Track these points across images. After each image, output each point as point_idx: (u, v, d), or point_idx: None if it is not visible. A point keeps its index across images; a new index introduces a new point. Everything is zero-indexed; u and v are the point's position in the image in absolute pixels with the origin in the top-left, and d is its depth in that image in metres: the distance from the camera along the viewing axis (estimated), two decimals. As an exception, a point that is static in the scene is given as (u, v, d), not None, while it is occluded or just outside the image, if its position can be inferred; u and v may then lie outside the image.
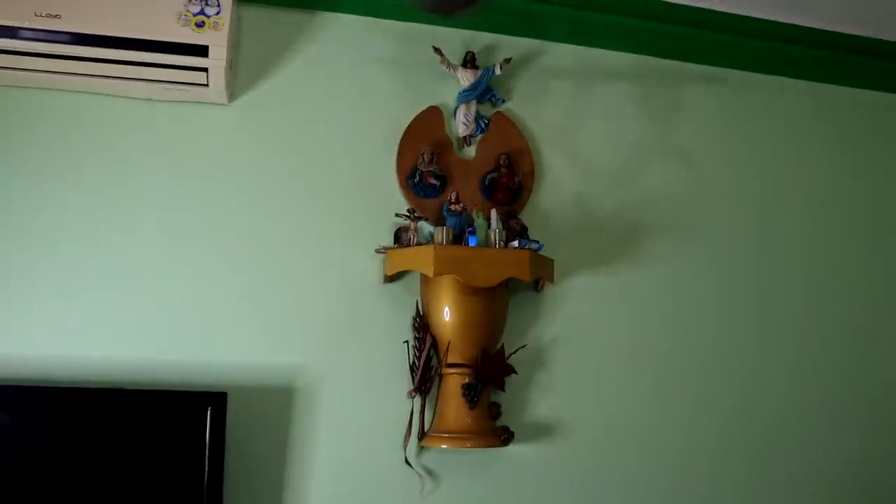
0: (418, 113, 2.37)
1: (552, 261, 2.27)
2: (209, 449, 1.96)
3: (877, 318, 2.69)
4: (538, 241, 2.20)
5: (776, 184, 2.67)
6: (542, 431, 2.32)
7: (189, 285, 2.15)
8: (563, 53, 2.53)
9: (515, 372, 2.28)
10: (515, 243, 2.19)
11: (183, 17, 2.03)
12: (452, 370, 2.19)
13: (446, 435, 2.16)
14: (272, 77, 2.30)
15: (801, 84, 2.73)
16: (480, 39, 2.46)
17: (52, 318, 2.06)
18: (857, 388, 2.62)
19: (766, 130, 2.69)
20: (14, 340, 2.03)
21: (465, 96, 2.36)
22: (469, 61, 2.38)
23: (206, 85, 2.11)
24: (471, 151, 2.42)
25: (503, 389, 2.27)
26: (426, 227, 2.29)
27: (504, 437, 2.21)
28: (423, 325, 2.24)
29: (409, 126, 2.36)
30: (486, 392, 2.21)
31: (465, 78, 2.36)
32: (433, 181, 2.32)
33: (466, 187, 2.34)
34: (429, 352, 2.22)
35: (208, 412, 1.97)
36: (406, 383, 2.23)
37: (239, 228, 2.21)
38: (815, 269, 2.66)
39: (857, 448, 2.58)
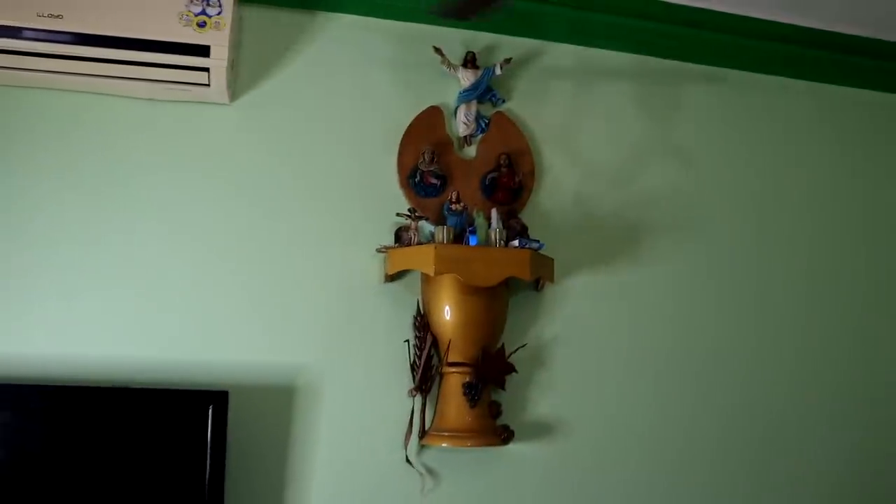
0: (419, 113, 2.38)
1: (552, 260, 2.28)
2: (211, 447, 1.96)
3: (877, 317, 2.70)
4: (538, 241, 2.21)
5: (776, 183, 2.68)
6: (542, 430, 2.33)
7: (191, 284, 2.16)
8: (563, 53, 2.54)
9: (516, 371, 2.29)
10: (516, 243, 2.19)
11: (185, 17, 2.04)
12: (453, 369, 2.19)
13: (447, 433, 2.16)
14: (273, 77, 2.31)
15: (801, 84, 2.74)
16: (481, 39, 2.46)
17: (53, 318, 2.07)
18: (857, 388, 2.62)
19: (766, 130, 2.70)
20: (15, 340, 2.03)
21: (466, 96, 2.37)
22: (469, 61, 2.39)
23: (208, 85, 2.12)
24: (471, 151, 2.42)
25: (503, 388, 2.28)
26: (427, 226, 2.29)
27: (504, 435, 2.22)
28: (423, 324, 2.24)
29: (409, 126, 2.36)
30: (487, 391, 2.22)
31: (466, 78, 2.37)
32: (434, 181, 2.33)
33: (467, 187, 2.34)
34: (429, 351, 2.22)
35: (210, 411, 1.97)
36: (407, 382, 2.24)
37: (240, 228, 2.22)
38: (815, 269, 2.66)
39: (857, 448, 2.59)
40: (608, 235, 2.48)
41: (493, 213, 2.24)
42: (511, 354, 2.29)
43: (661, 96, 2.61)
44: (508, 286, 2.26)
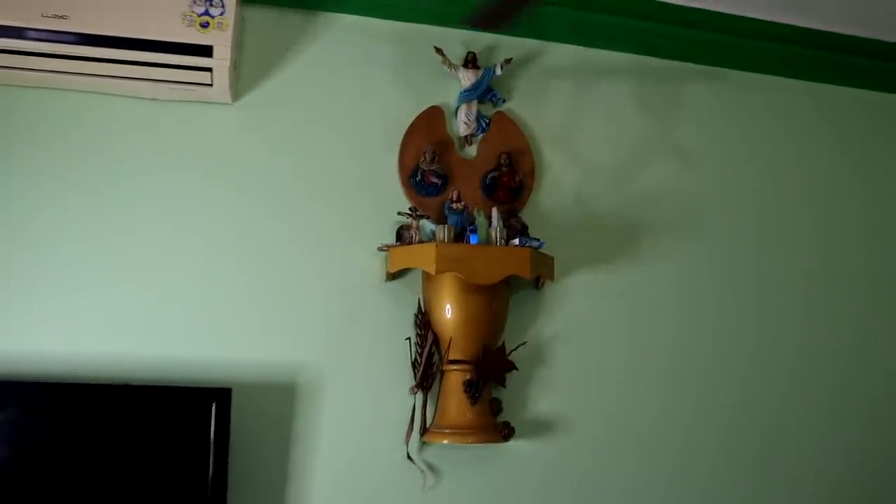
0: (420, 112, 2.39)
1: (552, 259, 2.29)
2: (214, 444, 1.97)
3: (876, 316, 2.70)
4: (538, 239, 2.22)
5: (776, 183, 2.69)
6: (542, 427, 2.34)
7: (194, 283, 2.17)
8: (563, 53, 2.55)
9: (516, 368, 2.30)
10: (516, 241, 2.20)
11: (188, 17, 2.05)
12: (454, 367, 2.20)
13: (448, 430, 2.17)
14: (275, 77, 2.32)
15: (800, 84, 2.74)
16: (481, 40, 2.47)
17: (57, 316, 2.08)
18: (857, 387, 2.63)
19: (765, 130, 2.71)
20: (19, 338, 2.04)
21: (467, 96, 2.38)
22: (470, 61, 2.40)
23: (211, 85, 2.13)
24: (472, 150, 2.43)
25: (504, 386, 2.28)
26: (428, 225, 2.30)
27: (505, 432, 2.22)
28: (424, 322, 2.25)
29: (410, 125, 2.37)
30: (487, 388, 2.22)
31: (467, 78, 2.38)
32: (435, 180, 2.34)
33: (468, 186, 2.35)
34: (430, 348, 2.23)
35: (213, 408, 1.98)
36: (408, 380, 2.25)
37: (242, 226, 2.23)
38: (815, 268, 2.67)
39: (857, 447, 2.59)
40: (608, 234, 2.49)
41: (494, 211, 2.26)
42: (511, 352, 2.30)
43: (661, 96, 2.61)
44: (509, 284, 2.27)
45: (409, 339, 2.26)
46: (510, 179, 2.38)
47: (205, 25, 2.06)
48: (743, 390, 2.52)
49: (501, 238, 2.20)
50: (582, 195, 2.49)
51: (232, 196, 2.24)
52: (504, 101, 2.46)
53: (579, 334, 2.41)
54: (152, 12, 2.04)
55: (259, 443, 2.12)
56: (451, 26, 2.44)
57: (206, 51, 2.06)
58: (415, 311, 2.28)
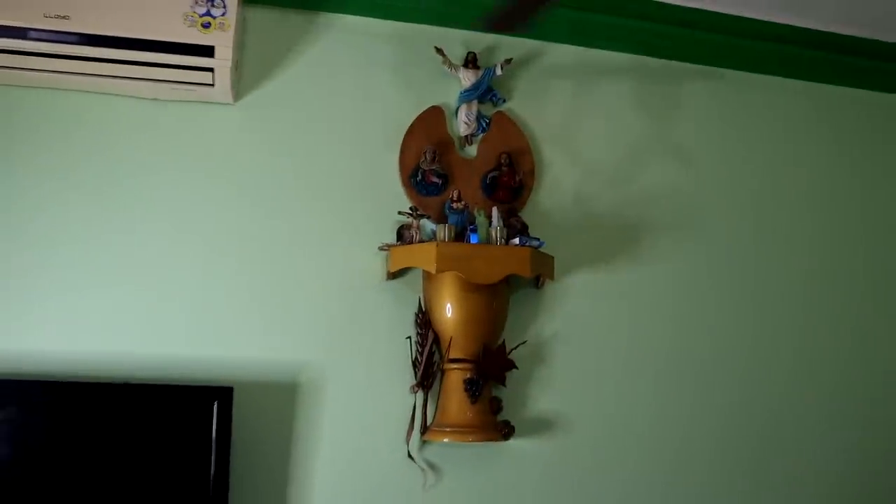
0: (420, 112, 2.40)
1: (552, 258, 2.29)
2: (216, 442, 1.98)
3: (875, 316, 2.70)
4: (538, 239, 2.23)
5: (774, 182, 2.69)
6: (542, 426, 2.34)
7: (195, 282, 2.17)
8: (563, 53, 2.55)
9: (516, 367, 2.31)
10: (516, 240, 2.21)
11: (189, 17, 2.05)
12: (454, 365, 2.21)
13: (448, 429, 2.18)
14: (276, 77, 2.32)
15: (798, 84, 2.75)
16: (481, 40, 2.48)
17: (59, 316, 2.08)
18: (856, 386, 2.63)
19: (764, 129, 2.71)
20: (21, 337, 2.05)
21: (467, 96, 2.39)
22: (470, 62, 2.40)
23: (212, 85, 2.13)
24: (472, 150, 2.44)
25: (504, 384, 2.29)
26: (428, 224, 2.31)
27: (505, 431, 2.23)
28: (425, 321, 2.26)
29: (411, 125, 2.38)
30: (488, 387, 2.23)
31: (467, 78, 2.38)
32: (435, 180, 2.35)
33: (468, 186, 2.36)
34: (431, 347, 2.24)
35: (215, 406, 1.99)
36: (408, 378, 2.25)
37: (244, 226, 2.24)
38: (813, 267, 2.67)
39: (855, 447, 2.59)
40: (607, 234, 2.50)
41: (494, 211, 2.26)
42: (511, 351, 2.31)
43: (661, 96, 2.62)
44: (509, 284, 2.27)
45: (409, 338, 2.27)
46: (510, 179, 2.38)
47: (206, 26, 2.06)
48: (741, 389, 2.53)
49: (501, 237, 2.21)
50: (581, 195, 2.50)
51: (233, 196, 2.24)
52: (504, 101, 2.47)
53: (579, 333, 2.42)
54: (154, 12, 2.04)
55: (260, 441, 2.13)
56: (451, 26, 2.45)
57: (207, 51, 2.06)
58: (415, 310, 2.29)
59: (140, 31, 2.03)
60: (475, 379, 2.19)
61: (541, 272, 2.24)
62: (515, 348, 2.32)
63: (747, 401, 2.53)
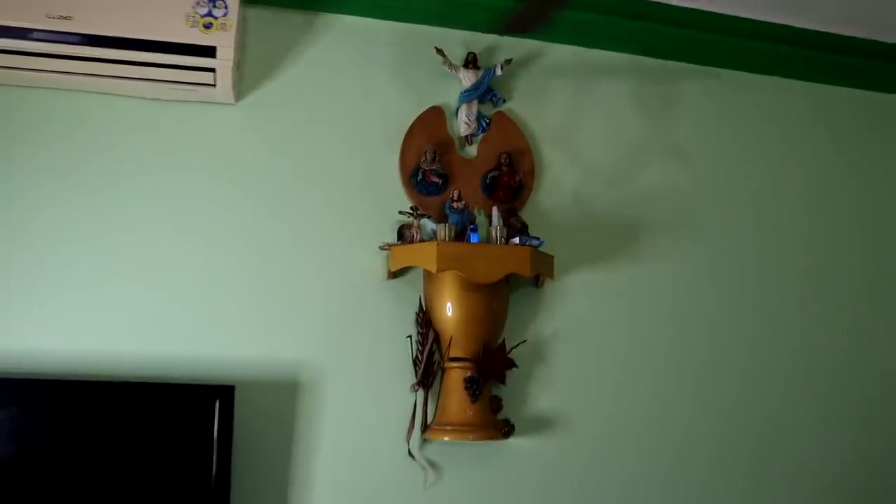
0: (421, 113, 2.40)
1: (552, 257, 2.30)
2: (217, 441, 1.98)
3: (873, 316, 2.71)
4: (538, 238, 2.23)
5: (772, 182, 2.70)
6: (542, 425, 2.35)
7: (197, 282, 2.18)
8: (562, 54, 2.56)
9: (516, 366, 2.32)
10: (516, 240, 2.22)
11: (191, 18, 2.06)
12: (454, 364, 2.21)
13: (449, 427, 2.18)
14: (277, 77, 2.33)
15: (796, 84, 2.76)
16: (482, 40, 2.48)
17: (61, 314, 2.08)
18: (854, 387, 2.64)
19: (762, 129, 2.72)
20: (23, 336, 2.05)
21: (467, 96, 2.39)
22: (470, 62, 2.41)
23: (214, 85, 2.14)
24: (472, 150, 2.45)
25: (504, 383, 2.30)
26: (429, 224, 2.32)
27: (505, 429, 2.24)
28: (425, 320, 2.26)
29: (411, 125, 2.38)
30: (488, 386, 2.24)
31: (467, 78, 2.39)
32: (435, 179, 2.36)
33: (468, 185, 2.37)
34: (431, 346, 2.24)
35: (216, 405, 1.99)
36: (409, 377, 2.26)
37: (245, 226, 2.24)
38: (812, 267, 2.68)
39: (854, 446, 2.60)
40: (607, 233, 2.50)
41: (494, 211, 2.27)
42: (511, 350, 2.31)
43: (660, 96, 2.63)
44: (509, 283, 2.28)
45: (410, 336, 2.28)
46: (510, 179, 2.39)
47: (208, 26, 2.07)
48: (740, 389, 2.53)
49: (501, 237, 2.22)
50: (581, 194, 2.50)
51: (234, 195, 2.25)
52: (504, 101, 2.47)
53: (578, 332, 2.43)
54: (156, 13, 2.04)
55: (261, 440, 2.13)
56: (451, 27, 2.46)
57: (209, 51, 2.06)
58: (416, 309, 2.29)
59: (142, 31, 2.03)
60: (475, 378, 2.20)
61: (540, 271, 2.25)
62: (515, 347, 2.33)
63: (746, 399, 2.53)
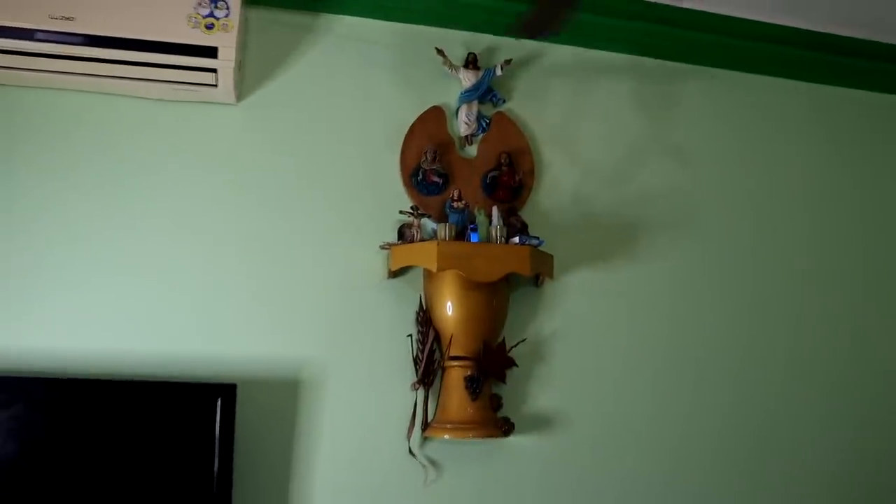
0: (421, 113, 2.41)
1: (552, 257, 2.31)
2: (219, 439, 1.99)
3: (872, 315, 2.71)
4: (538, 238, 2.24)
5: (771, 182, 2.70)
6: (542, 423, 2.36)
7: (199, 281, 2.19)
8: (562, 54, 2.56)
9: (516, 365, 2.32)
10: (516, 239, 2.22)
11: (193, 19, 2.06)
12: (455, 363, 2.22)
13: (449, 426, 2.19)
14: (278, 78, 2.33)
15: (795, 84, 2.76)
16: (482, 41, 2.49)
17: (63, 313, 2.09)
18: (852, 386, 2.64)
19: (761, 129, 2.72)
20: (25, 335, 2.06)
21: (467, 96, 2.40)
22: (471, 62, 2.42)
23: (215, 85, 2.15)
24: (472, 150, 2.45)
25: (504, 382, 2.31)
26: (429, 223, 2.33)
27: (505, 428, 2.25)
28: (426, 319, 2.27)
29: (412, 125, 2.39)
30: (488, 384, 2.25)
31: (467, 78, 2.40)
32: (436, 179, 2.36)
33: (468, 185, 2.38)
34: (432, 345, 2.25)
35: (218, 403, 2.00)
36: (409, 376, 2.27)
37: (246, 225, 2.25)
38: (810, 267, 2.68)
39: (852, 446, 2.60)
40: (606, 233, 2.51)
41: (494, 210, 2.28)
42: (511, 349, 2.32)
43: (659, 96, 2.63)
44: (509, 282, 2.29)
45: (410, 335, 2.29)
46: (510, 179, 2.40)
47: (210, 27, 2.07)
48: (739, 388, 2.54)
49: (501, 236, 2.23)
50: (580, 194, 2.51)
51: (236, 195, 2.25)
52: (504, 101, 2.48)
53: (578, 331, 2.43)
54: (158, 14, 2.05)
55: (262, 438, 2.14)
56: (451, 28, 2.47)
57: (210, 52, 2.07)
58: (416, 308, 2.30)
59: (144, 32, 2.04)
60: (476, 376, 2.20)
61: (540, 271, 2.26)
62: (515, 346, 2.33)
63: (744, 399, 2.54)
